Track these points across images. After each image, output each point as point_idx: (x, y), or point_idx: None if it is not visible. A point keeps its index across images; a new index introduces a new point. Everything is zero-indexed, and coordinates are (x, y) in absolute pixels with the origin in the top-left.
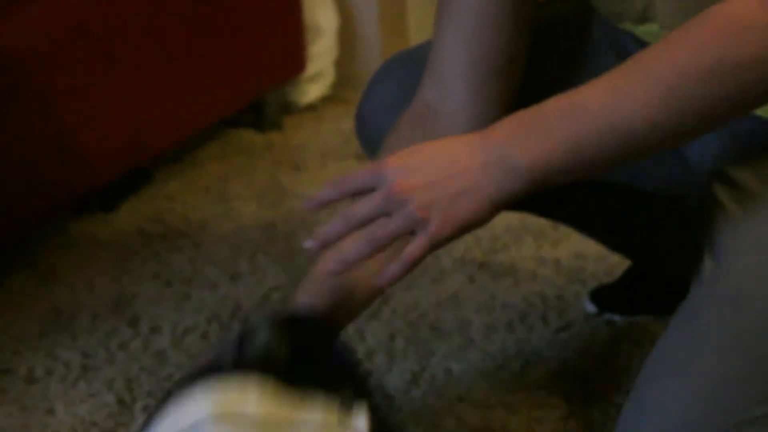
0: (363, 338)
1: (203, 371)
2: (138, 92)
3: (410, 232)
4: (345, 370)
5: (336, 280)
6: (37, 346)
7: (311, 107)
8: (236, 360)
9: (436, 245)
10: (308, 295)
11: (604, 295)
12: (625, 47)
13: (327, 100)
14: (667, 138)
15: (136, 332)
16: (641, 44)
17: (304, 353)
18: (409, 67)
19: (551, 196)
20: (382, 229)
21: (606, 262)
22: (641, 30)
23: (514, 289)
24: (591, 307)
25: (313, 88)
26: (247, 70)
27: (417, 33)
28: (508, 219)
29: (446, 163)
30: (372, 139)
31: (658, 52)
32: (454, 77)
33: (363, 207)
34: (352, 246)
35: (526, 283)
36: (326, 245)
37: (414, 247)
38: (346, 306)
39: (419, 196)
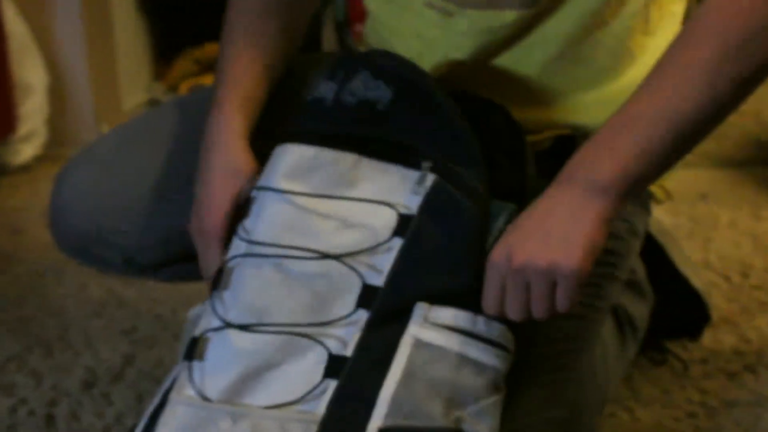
0: (110, 402)
1: None
2: None
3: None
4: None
5: None
6: None
7: (25, 168)
8: None
9: (581, 280)
10: None
11: None
12: None
13: (40, 159)
14: (717, 116)
15: None
16: None
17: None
18: (104, 153)
19: None
20: (539, 306)
21: None
22: None
23: None
24: None
25: (25, 148)
26: None
27: (128, 89)
28: None
29: (542, 220)
30: (73, 230)
31: (685, 45)
32: None
33: (513, 304)
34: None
35: None
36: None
37: (562, 299)
38: None
39: (538, 255)
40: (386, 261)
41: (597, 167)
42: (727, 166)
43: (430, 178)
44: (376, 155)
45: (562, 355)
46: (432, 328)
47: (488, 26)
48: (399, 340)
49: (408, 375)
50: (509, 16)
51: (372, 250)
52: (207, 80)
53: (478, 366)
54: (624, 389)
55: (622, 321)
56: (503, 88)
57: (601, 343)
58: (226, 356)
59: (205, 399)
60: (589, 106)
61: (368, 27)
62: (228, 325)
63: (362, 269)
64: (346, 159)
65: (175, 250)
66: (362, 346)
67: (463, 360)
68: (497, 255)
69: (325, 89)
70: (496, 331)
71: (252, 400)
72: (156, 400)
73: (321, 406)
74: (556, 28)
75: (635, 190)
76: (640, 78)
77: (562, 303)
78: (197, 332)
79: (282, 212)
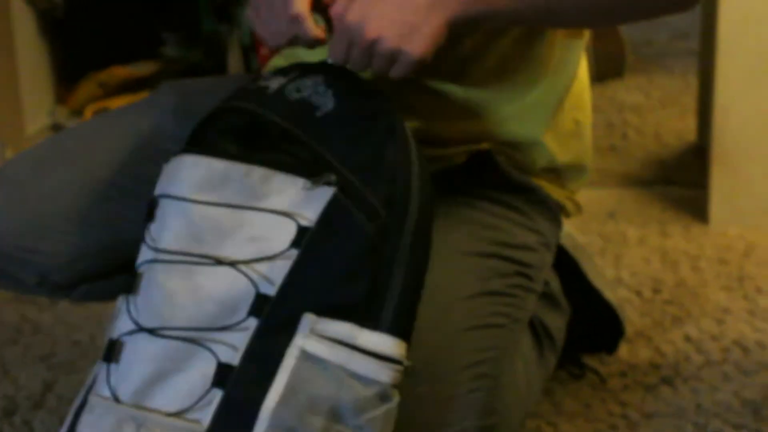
0: (32, 429)
1: None
2: None
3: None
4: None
5: None
6: None
7: None
8: None
9: (417, 64)
10: None
11: None
12: None
13: None
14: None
15: None
16: None
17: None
18: (17, 174)
19: None
20: (376, 69)
21: None
22: None
23: None
24: None
25: None
26: None
27: (31, 113)
28: None
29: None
30: None
31: None
32: None
33: (355, 64)
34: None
35: None
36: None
37: (397, 70)
38: None
39: (388, 37)
40: (282, 271)
41: None
42: (632, 185)
43: (330, 192)
44: (288, 165)
45: (483, 364)
46: (318, 340)
47: None
48: (285, 350)
49: (290, 389)
50: None
51: (269, 259)
52: (112, 104)
53: (361, 380)
54: (546, 403)
55: (539, 332)
56: (427, 100)
57: (521, 354)
58: (136, 359)
59: (117, 401)
60: (508, 118)
61: (284, 53)
62: (140, 328)
63: (257, 278)
64: (257, 172)
65: (90, 269)
66: (248, 355)
67: (346, 374)
68: (351, 15)
69: (273, 81)
70: (387, 343)
71: (156, 404)
72: (79, 398)
73: (208, 417)
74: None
75: (487, 16)
76: (553, 89)
77: (396, 74)
78: (115, 334)
79: (186, 222)
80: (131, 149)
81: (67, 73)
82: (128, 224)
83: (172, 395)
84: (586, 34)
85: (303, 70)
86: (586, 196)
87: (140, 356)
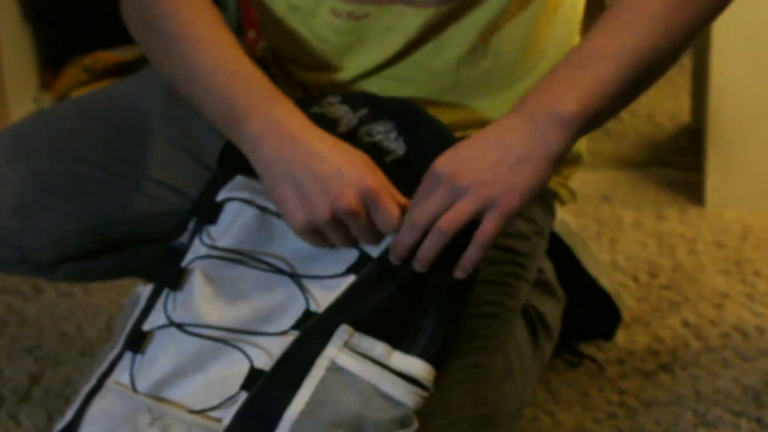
0: (19, 423)
1: None
2: None
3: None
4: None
5: None
6: None
7: None
8: None
9: (508, 218)
10: None
11: None
12: None
13: None
14: (670, 57)
15: None
16: None
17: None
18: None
19: None
20: (451, 221)
21: None
22: None
23: None
24: None
25: None
26: None
27: (15, 99)
28: None
29: (495, 144)
30: None
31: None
32: None
33: (429, 206)
34: (427, 245)
35: None
36: (406, 256)
37: (487, 224)
38: None
39: (480, 177)
40: (334, 292)
41: (559, 100)
42: (626, 167)
43: None
44: None
45: (478, 353)
46: (350, 355)
47: (403, 24)
48: (315, 359)
49: (315, 401)
50: (426, 12)
51: (328, 278)
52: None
53: (388, 400)
54: (543, 392)
55: (534, 320)
56: (415, 89)
57: (515, 343)
58: (164, 353)
59: (135, 390)
60: (501, 106)
61: (270, 37)
62: (171, 323)
63: (309, 295)
64: None
65: (73, 249)
66: (280, 363)
67: (375, 392)
68: (441, 163)
69: (344, 114)
70: (418, 367)
71: (175, 395)
72: (91, 383)
73: (229, 417)
74: (470, 23)
75: (588, 128)
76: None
77: (485, 230)
78: (146, 326)
79: (258, 227)
80: (118, 129)
81: (52, 58)
82: (114, 205)
83: (192, 392)
84: (580, 15)
85: (373, 111)
86: (579, 179)
87: (169, 351)
